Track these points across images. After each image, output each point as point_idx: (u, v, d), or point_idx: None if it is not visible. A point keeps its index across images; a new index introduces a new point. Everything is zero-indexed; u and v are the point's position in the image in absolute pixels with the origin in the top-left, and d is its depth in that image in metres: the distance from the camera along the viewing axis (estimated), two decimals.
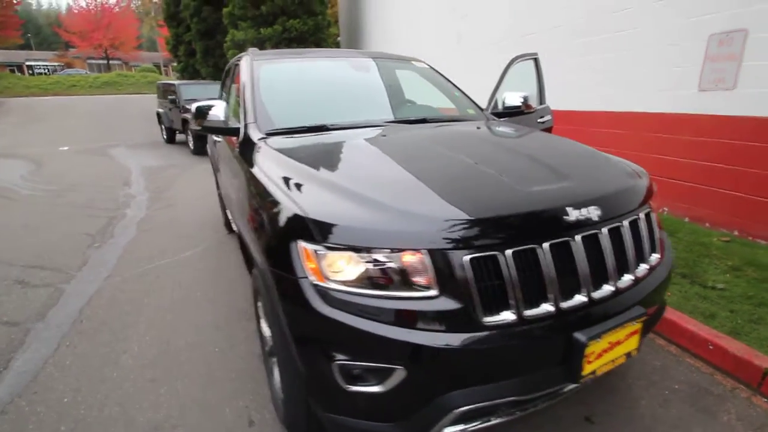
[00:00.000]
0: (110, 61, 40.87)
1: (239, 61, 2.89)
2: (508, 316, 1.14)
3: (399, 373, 1.14)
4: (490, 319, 1.13)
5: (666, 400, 1.89)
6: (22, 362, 2.29)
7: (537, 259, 1.18)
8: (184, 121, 9.39)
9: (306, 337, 1.25)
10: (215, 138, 2.95)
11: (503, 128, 2.29)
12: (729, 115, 3.23)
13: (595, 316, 1.25)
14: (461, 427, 1.21)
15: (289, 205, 1.30)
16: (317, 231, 1.18)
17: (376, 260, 1.15)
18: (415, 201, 1.22)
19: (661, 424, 1.75)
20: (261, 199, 1.52)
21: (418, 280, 1.14)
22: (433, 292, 1.13)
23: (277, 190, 1.44)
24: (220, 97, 3.80)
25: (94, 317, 2.73)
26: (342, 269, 1.17)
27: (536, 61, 3.52)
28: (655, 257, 1.49)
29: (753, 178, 3.17)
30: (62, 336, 2.52)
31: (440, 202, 1.22)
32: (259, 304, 1.87)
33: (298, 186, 1.42)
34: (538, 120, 3.37)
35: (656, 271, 1.48)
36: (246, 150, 2.01)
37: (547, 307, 1.18)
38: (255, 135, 2.00)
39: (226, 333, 2.51)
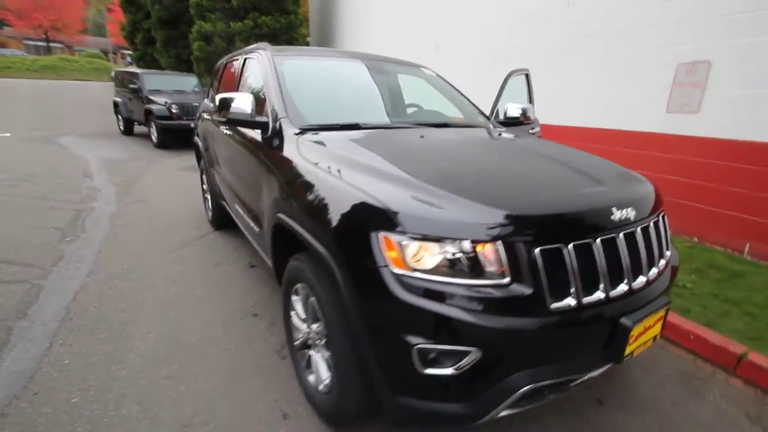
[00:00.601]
0: (51, 44, 37.44)
1: (250, 54, 2.85)
2: (570, 302, 1.27)
3: (473, 355, 1.23)
4: (556, 305, 1.25)
5: (661, 383, 2.13)
6: (11, 362, 2.11)
7: (591, 252, 1.32)
8: (147, 113, 8.87)
9: (384, 323, 1.30)
10: (225, 131, 2.87)
11: (518, 136, 2.46)
12: (692, 136, 3.67)
13: (633, 303, 1.41)
14: (519, 408, 1.32)
15: (366, 198, 1.35)
16: (401, 222, 1.24)
17: (454, 250, 1.24)
18: (491, 196, 1.32)
19: (662, 402, 1.99)
20: (321, 192, 1.54)
21: (492, 268, 1.24)
22: (506, 280, 1.24)
23: (343, 184, 1.47)
24: (216, 91, 3.70)
25: (85, 315, 2.56)
26: (422, 258, 1.24)
27: (527, 76, 3.79)
28: (668, 254, 1.70)
29: (712, 191, 3.61)
30: (52, 334, 2.35)
31: (514, 199, 1.34)
32: (295, 297, 1.87)
33: (364, 179, 1.46)
34: (530, 131, 3.62)
35: (670, 266, 1.69)
36: (279, 145, 2.01)
37: (599, 295, 1.32)
38: (289, 130, 2.01)
39: (238, 330, 2.45)
